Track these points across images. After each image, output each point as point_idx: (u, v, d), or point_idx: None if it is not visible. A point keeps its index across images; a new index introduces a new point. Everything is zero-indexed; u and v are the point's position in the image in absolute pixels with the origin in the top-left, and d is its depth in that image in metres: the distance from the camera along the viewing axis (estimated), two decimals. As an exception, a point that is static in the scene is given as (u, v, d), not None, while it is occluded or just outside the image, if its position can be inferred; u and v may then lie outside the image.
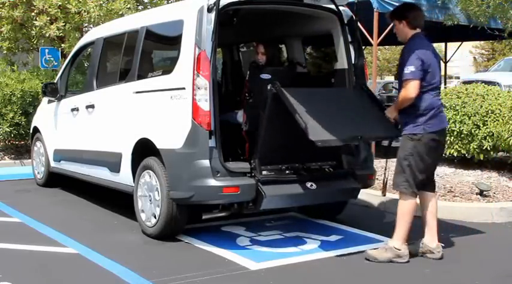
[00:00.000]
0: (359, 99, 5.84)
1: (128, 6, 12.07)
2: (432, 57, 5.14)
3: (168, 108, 5.66)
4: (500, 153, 8.79)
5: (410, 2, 5.42)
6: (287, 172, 5.55)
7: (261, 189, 5.29)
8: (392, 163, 9.07)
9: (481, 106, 8.36)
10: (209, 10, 5.40)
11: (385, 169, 6.12)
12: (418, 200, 5.27)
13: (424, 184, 5.25)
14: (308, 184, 5.51)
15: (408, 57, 5.08)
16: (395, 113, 5.28)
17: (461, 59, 45.63)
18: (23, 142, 11.48)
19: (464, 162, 8.73)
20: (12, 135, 11.17)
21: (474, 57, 54.28)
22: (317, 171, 5.71)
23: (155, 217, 5.74)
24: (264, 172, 5.40)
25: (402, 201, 5.16)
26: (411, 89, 5.03)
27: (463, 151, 8.43)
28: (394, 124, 5.36)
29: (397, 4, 10.70)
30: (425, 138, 5.08)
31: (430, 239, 5.27)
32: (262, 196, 5.27)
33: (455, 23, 10.98)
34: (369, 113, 5.60)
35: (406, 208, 5.13)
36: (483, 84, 9.46)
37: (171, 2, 13.32)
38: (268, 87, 5.28)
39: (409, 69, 5.04)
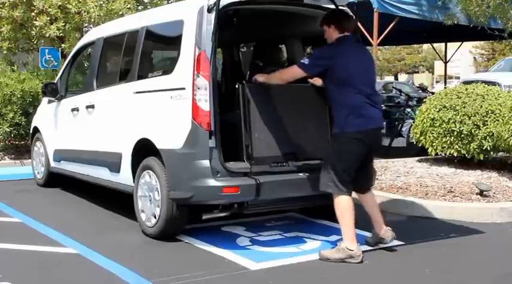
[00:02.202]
0: (313, 100, 6.03)
1: (128, 6, 12.08)
2: (352, 59, 5.19)
3: (168, 108, 5.66)
4: (500, 153, 8.78)
5: (340, 9, 5.62)
6: (279, 164, 5.63)
7: (255, 178, 5.35)
8: (393, 163, 9.14)
9: (481, 107, 8.36)
10: (209, 10, 5.40)
11: None
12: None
13: (358, 182, 5.29)
14: (301, 174, 5.60)
15: (314, 52, 5.35)
16: (263, 79, 5.64)
17: (461, 59, 45.66)
18: (23, 142, 11.47)
19: (464, 162, 8.73)
20: (12, 135, 11.18)
21: (474, 57, 54.32)
22: (309, 163, 5.74)
23: (155, 217, 5.74)
24: (257, 165, 5.48)
25: (335, 201, 5.17)
26: (288, 74, 5.50)
27: (463, 151, 8.43)
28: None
29: (397, 4, 10.75)
30: (345, 138, 5.11)
31: (378, 229, 5.39)
32: (258, 184, 5.31)
33: (455, 23, 10.99)
34: (312, 123, 5.95)
35: (341, 207, 5.14)
36: (483, 84, 9.45)
37: (171, 2, 13.32)
38: (236, 86, 5.62)
39: (304, 59, 5.35)
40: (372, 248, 5.44)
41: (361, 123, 5.11)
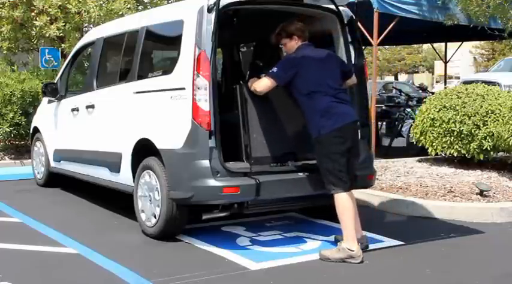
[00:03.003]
0: None
1: (128, 6, 12.08)
2: (315, 63, 5.32)
3: (168, 108, 5.66)
4: (500, 153, 8.78)
5: (289, 21, 5.73)
6: (279, 164, 5.64)
7: (255, 178, 5.34)
8: (393, 163, 9.14)
9: (481, 107, 8.36)
10: (209, 10, 5.40)
11: None
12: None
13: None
14: (300, 174, 5.60)
15: (281, 61, 5.58)
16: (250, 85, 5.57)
17: (461, 59, 45.66)
18: (23, 142, 11.48)
19: (464, 162, 8.73)
20: (12, 135, 11.18)
21: (474, 57, 54.32)
22: (308, 163, 5.74)
23: (155, 217, 5.74)
24: (257, 165, 5.48)
25: (335, 201, 5.21)
26: (261, 86, 5.43)
27: (463, 151, 8.43)
28: None
29: (397, 4, 10.73)
30: (325, 140, 5.20)
31: (356, 232, 5.32)
32: (258, 184, 5.31)
33: (456, 23, 10.98)
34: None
35: (341, 206, 5.17)
36: (483, 84, 9.45)
37: (171, 2, 13.32)
38: (235, 86, 5.65)
39: (273, 69, 5.39)
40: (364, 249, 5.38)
41: (335, 121, 5.21)
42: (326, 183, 5.25)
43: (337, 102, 5.27)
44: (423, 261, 5.18)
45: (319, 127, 5.21)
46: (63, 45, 12.56)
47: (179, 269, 4.92)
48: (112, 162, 6.58)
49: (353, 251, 5.08)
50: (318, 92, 5.26)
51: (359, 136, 5.71)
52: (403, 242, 5.66)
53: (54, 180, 8.49)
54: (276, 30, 5.67)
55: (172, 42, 5.93)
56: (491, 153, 8.38)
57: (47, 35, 12.16)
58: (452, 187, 7.45)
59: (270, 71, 5.42)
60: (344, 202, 5.18)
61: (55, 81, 8.44)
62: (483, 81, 11.75)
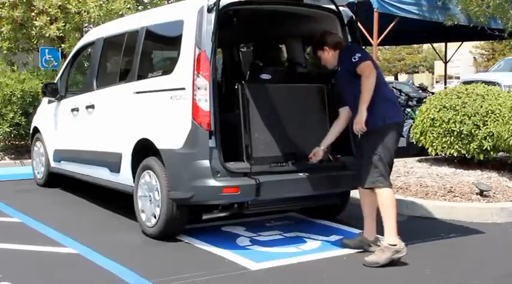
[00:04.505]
0: (313, 100, 6.05)
1: (128, 6, 12.08)
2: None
3: (168, 109, 5.66)
4: (500, 153, 8.78)
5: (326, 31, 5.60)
6: (279, 164, 5.63)
7: (255, 178, 5.33)
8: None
9: (481, 107, 8.36)
10: (209, 10, 5.39)
11: None
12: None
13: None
14: (300, 174, 5.58)
15: (346, 53, 5.24)
16: (364, 115, 5.04)
17: (461, 59, 45.64)
18: (23, 142, 11.48)
19: (464, 162, 8.73)
20: (12, 135, 11.19)
21: (474, 57, 54.30)
22: (309, 164, 5.74)
23: (155, 217, 5.74)
24: (257, 165, 5.48)
25: (381, 195, 5.11)
26: (369, 71, 5.04)
27: (463, 151, 8.43)
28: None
29: (397, 4, 10.75)
30: (386, 128, 5.12)
31: (369, 233, 5.32)
32: (258, 184, 5.30)
33: (455, 23, 10.99)
34: (311, 123, 5.97)
35: (387, 201, 5.11)
36: (483, 84, 9.45)
37: (171, 2, 13.32)
38: (236, 86, 5.63)
39: (356, 55, 5.09)
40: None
41: (399, 115, 5.37)
42: (375, 175, 5.09)
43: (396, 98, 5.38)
44: (423, 261, 5.17)
45: (384, 117, 5.10)
46: (63, 45, 12.56)
47: (179, 269, 4.92)
48: (112, 162, 6.58)
49: (395, 245, 4.99)
50: (383, 82, 5.22)
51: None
52: (403, 242, 5.65)
53: (54, 180, 8.49)
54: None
55: (172, 42, 5.93)
56: (491, 153, 8.38)
57: (47, 35, 12.16)
58: (452, 187, 7.45)
59: (363, 57, 5.12)
60: (390, 197, 5.12)
61: (55, 81, 8.44)
62: (483, 81, 11.75)
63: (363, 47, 6.00)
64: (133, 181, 6.15)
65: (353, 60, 5.07)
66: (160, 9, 7.66)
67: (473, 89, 8.81)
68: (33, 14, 12.29)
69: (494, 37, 11.63)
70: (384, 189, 5.10)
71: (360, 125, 5.04)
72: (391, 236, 5.04)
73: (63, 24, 12.10)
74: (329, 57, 5.38)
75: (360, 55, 5.10)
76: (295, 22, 6.54)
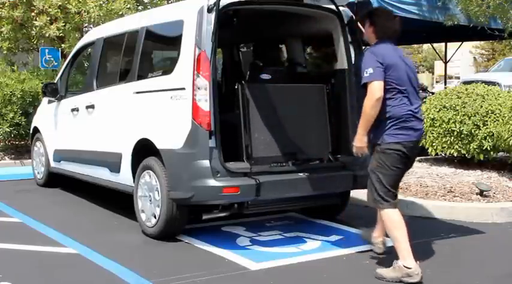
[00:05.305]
0: (313, 100, 6.03)
1: (128, 6, 12.08)
2: (396, 59, 4.80)
3: (168, 109, 5.66)
4: (500, 153, 8.78)
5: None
6: (279, 164, 5.64)
7: (255, 178, 5.34)
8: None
9: (481, 107, 8.36)
10: (209, 10, 5.40)
11: None
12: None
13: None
14: (300, 174, 5.58)
15: (364, 60, 4.82)
16: (365, 137, 4.78)
17: (461, 59, 45.63)
18: (23, 142, 11.48)
19: (464, 162, 8.73)
20: (12, 135, 11.19)
21: (474, 57, 54.31)
22: (309, 164, 5.73)
23: (155, 217, 5.74)
24: (257, 165, 5.49)
25: (383, 217, 4.84)
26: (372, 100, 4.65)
27: (463, 151, 8.43)
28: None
29: (397, 4, 10.74)
30: (387, 148, 4.73)
31: (378, 233, 5.20)
32: (258, 184, 5.30)
33: (455, 23, 10.98)
34: (312, 123, 5.96)
35: (391, 222, 4.79)
36: (483, 84, 9.45)
37: (171, 2, 13.32)
38: (236, 86, 5.62)
39: (367, 70, 4.69)
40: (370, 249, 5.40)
41: (406, 135, 4.83)
42: (372, 196, 4.85)
43: (412, 113, 5.06)
44: (423, 261, 5.17)
45: (385, 135, 4.79)
46: (63, 45, 12.55)
47: (179, 269, 4.92)
48: (112, 162, 6.58)
49: (410, 268, 4.63)
50: (399, 97, 4.88)
51: None
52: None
53: (54, 180, 8.49)
54: None
55: (172, 42, 5.93)
56: (491, 153, 8.38)
57: (47, 35, 12.16)
58: (452, 187, 7.45)
59: (372, 76, 4.70)
60: (394, 219, 4.77)
61: (55, 81, 8.44)
62: (483, 81, 11.75)
63: (363, 47, 5.97)
64: (133, 181, 6.15)
65: (365, 74, 4.71)
66: (160, 9, 7.66)
67: (473, 89, 8.81)
68: (33, 14, 12.28)
69: (494, 37, 11.61)
70: (385, 211, 4.79)
71: (356, 149, 4.84)
72: (404, 259, 4.68)
73: (63, 24, 12.10)
74: (370, 33, 4.97)
75: (371, 72, 4.67)
76: (295, 22, 6.54)
